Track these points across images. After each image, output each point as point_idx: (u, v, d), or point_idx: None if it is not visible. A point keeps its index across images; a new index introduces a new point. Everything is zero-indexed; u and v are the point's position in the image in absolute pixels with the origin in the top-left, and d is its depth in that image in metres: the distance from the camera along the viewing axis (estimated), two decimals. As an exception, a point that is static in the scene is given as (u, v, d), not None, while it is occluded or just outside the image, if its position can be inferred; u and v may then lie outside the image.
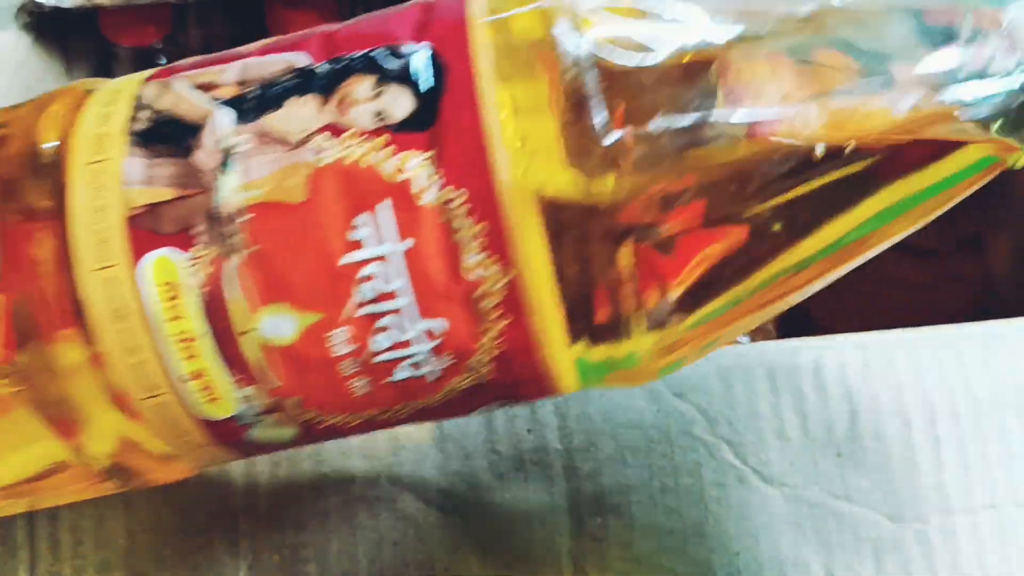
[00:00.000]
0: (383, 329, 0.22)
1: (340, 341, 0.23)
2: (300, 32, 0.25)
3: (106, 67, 0.44)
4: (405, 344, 0.23)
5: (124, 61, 0.43)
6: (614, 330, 0.23)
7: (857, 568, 0.31)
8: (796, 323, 0.40)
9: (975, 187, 0.24)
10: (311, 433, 0.25)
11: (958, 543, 0.31)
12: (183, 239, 0.22)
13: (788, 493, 0.32)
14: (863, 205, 0.23)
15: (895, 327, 0.33)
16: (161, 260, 0.22)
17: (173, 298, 0.22)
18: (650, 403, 0.32)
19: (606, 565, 0.32)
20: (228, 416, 0.24)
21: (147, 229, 0.22)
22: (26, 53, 0.42)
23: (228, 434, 0.24)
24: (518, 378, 0.24)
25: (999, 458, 0.32)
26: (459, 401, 0.24)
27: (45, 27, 0.42)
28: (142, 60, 0.43)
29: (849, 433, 0.32)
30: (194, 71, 0.25)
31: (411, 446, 0.32)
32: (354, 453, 0.32)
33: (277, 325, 0.22)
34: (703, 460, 0.32)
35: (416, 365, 0.23)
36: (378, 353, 0.23)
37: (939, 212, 0.24)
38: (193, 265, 0.22)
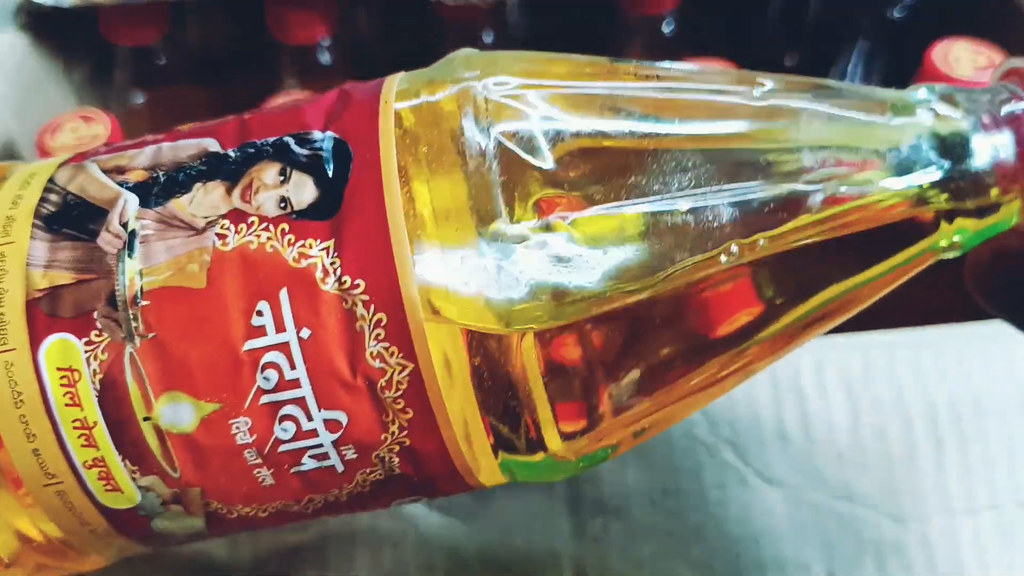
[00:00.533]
0: (286, 418, 0.22)
1: (242, 430, 0.22)
2: (219, 119, 0.25)
3: (105, 67, 0.44)
4: (309, 434, 0.22)
5: (123, 61, 0.43)
6: (529, 443, 0.23)
7: (859, 569, 0.31)
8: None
9: (908, 276, 0.24)
10: (220, 523, 0.24)
11: (960, 544, 0.31)
12: (82, 324, 0.22)
13: (789, 494, 0.32)
14: (798, 305, 0.23)
15: (896, 328, 0.33)
16: (59, 345, 0.22)
17: (70, 384, 0.22)
18: (651, 404, 0.32)
19: (607, 567, 0.32)
20: (130, 506, 0.23)
21: (47, 313, 0.22)
22: (25, 53, 0.42)
23: (132, 524, 0.24)
24: (431, 473, 0.23)
25: (1001, 459, 0.32)
26: (371, 495, 0.24)
27: (44, 27, 0.42)
28: (141, 60, 0.43)
29: (851, 434, 0.32)
30: (108, 155, 0.24)
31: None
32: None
33: (176, 413, 0.22)
34: (704, 461, 0.32)
35: (320, 456, 0.23)
36: (282, 443, 0.22)
37: (868, 301, 0.24)
38: (91, 351, 0.22)
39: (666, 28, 0.44)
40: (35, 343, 0.22)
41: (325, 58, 0.44)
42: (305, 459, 0.23)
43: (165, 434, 0.22)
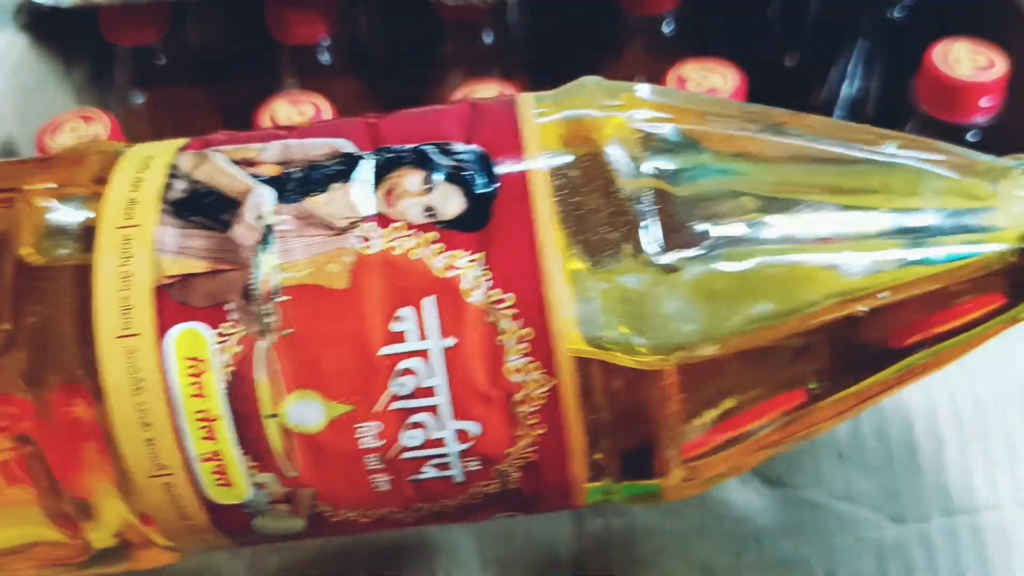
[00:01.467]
0: (416, 426, 0.22)
1: (369, 435, 0.22)
2: (341, 119, 0.25)
3: (105, 67, 0.44)
4: (436, 443, 0.22)
5: (123, 61, 0.43)
6: (647, 467, 0.23)
7: (859, 569, 0.31)
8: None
9: (989, 339, 0.24)
10: (319, 526, 0.24)
11: (960, 544, 0.31)
12: (214, 314, 0.22)
13: (790, 494, 0.32)
14: (897, 364, 0.24)
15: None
16: (189, 333, 0.22)
17: (197, 374, 0.22)
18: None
19: (608, 567, 0.32)
20: (237, 503, 0.23)
21: (177, 300, 0.22)
22: (25, 53, 0.42)
23: (233, 522, 0.23)
24: (543, 490, 0.23)
25: (1001, 458, 0.32)
26: (477, 508, 0.24)
27: (44, 27, 0.42)
28: (141, 60, 0.43)
29: (851, 434, 0.32)
30: (232, 146, 0.24)
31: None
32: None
33: (304, 413, 0.22)
34: (704, 461, 0.32)
35: (443, 466, 0.23)
36: (407, 450, 0.22)
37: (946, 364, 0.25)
38: (222, 342, 0.22)
39: (666, 28, 0.44)
40: (162, 330, 0.22)
41: (325, 58, 0.44)
42: (426, 468, 0.22)
43: (290, 433, 0.22)
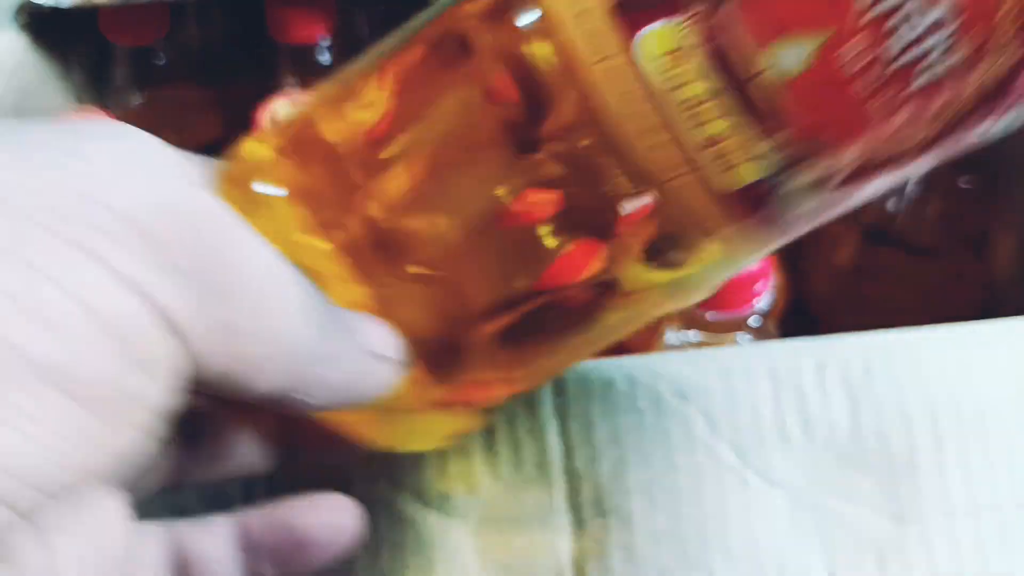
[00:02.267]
0: (893, 31, 0.22)
1: (852, 55, 0.22)
2: None
3: (104, 67, 0.44)
4: (919, 41, 0.22)
5: (123, 61, 0.43)
6: None
7: (859, 569, 0.31)
8: (797, 323, 0.40)
9: None
10: (846, 184, 0.24)
11: (960, 544, 0.31)
12: (670, 6, 0.23)
13: (790, 495, 0.32)
14: None
15: (897, 327, 0.33)
16: (655, 33, 0.23)
17: (676, 66, 0.23)
18: (651, 404, 0.32)
19: (607, 567, 0.32)
20: (750, 181, 0.23)
21: (631, 12, 0.23)
22: (24, 53, 0.42)
23: (752, 202, 0.24)
24: None
25: (1001, 459, 0.32)
26: (970, 114, 0.23)
27: (43, 27, 0.42)
28: (141, 60, 0.43)
29: (851, 434, 0.32)
30: None
31: (411, 447, 0.32)
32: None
33: (786, 57, 0.22)
34: (704, 462, 0.32)
35: (933, 65, 0.22)
36: (892, 60, 0.22)
37: None
38: (688, 26, 0.22)
39: (666, 28, 0.44)
40: (629, 42, 0.23)
41: (325, 58, 0.44)
42: (918, 72, 0.22)
43: (777, 83, 0.22)
